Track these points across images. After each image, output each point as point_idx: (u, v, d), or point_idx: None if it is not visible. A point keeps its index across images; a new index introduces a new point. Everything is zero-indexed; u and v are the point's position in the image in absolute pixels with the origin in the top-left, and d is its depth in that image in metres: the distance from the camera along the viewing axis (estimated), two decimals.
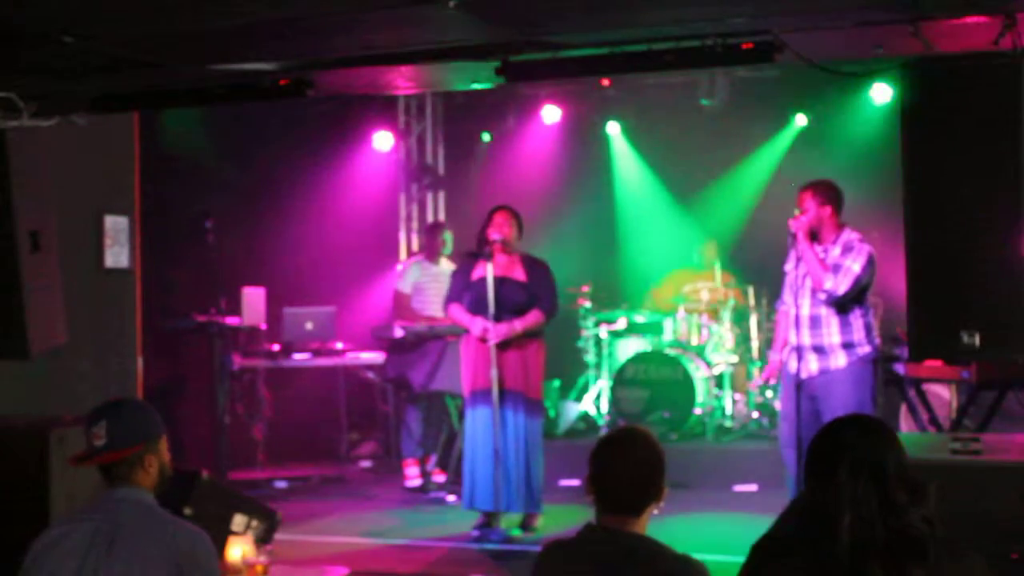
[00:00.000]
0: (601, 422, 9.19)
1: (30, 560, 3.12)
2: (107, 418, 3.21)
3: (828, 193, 5.99)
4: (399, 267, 8.80)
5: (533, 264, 6.74)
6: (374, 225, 10.29)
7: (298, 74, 4.83)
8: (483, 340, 6.53)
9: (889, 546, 2.55)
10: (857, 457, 2.61)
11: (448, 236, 8.57)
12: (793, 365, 5.96)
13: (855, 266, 5.85)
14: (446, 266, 8.62)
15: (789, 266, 6.16)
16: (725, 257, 9.93)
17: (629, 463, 2.91)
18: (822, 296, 5.89)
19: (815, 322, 5.93)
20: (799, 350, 5.95)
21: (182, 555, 3.06)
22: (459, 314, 6.73)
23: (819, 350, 5.92)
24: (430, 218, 10.80)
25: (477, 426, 6.59)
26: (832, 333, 5.91)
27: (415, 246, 10.63)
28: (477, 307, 6.57)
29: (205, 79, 4.89)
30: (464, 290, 6.71)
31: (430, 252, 8.63)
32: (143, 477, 3.19)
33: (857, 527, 2.55)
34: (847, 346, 5.91)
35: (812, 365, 5.93)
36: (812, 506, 2.67)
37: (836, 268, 5.87)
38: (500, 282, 6.55)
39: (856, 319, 5.95)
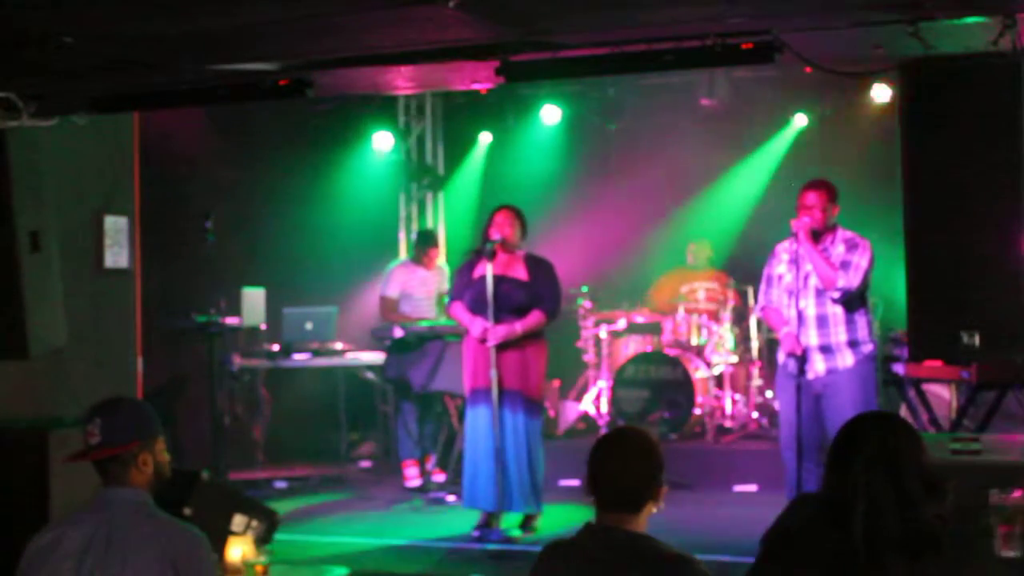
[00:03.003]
0: (601, 422, 9.19)
1: (26, 563, 3.11)
2: (102, 415, 3.20)
3: (835, 192, 6.01)
4: (385, 271, 8.76)
5: (536, 264, 6.72)
6: (374, 225, 10.28)
7: (298, 74, 4.83)
8: (482, 341, 6.53)
9: (904, 539, 2.57)
10: (875, 449, 2.64)
11: (436, 252, 8.58)
12: (793, 366, 5.95)
13: (863, 261, 5.89)
14: (436, 268, 8.62)
15: (781, 268, 6.15)
16: (725, 257, 9.93)
17: (622, 461, 2.92)
18: (835, 295, 5.88)
19: (822, 321, 5.93)
20: (803, 354, 5.93)
21: (179, 556, 3.05)
22: (460, 313, 6.73)
23: (826, 350, 5.92)
24: (430, 218, 10.80)
25: (477, 426, 6.58)
26: (839, 332, 5.92)
27: None
28: (477, 306, 6.57)
29: (205, 79, 4.90)
30: (466, 288, 6.70)
31: (417, 258, 8.63)
32: (138, 476, 3.18)
33: (872, 518, 2.57)
34: (853, 344, 5.92)
35: (819, 365, 5.93)
36: (829, 497, 2.69)
37: (845, 265, 5.88)
38: (500, 281, 6.54)
39: (860, 317, 5.97)
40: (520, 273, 6.66)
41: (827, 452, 2.81)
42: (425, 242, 8.74)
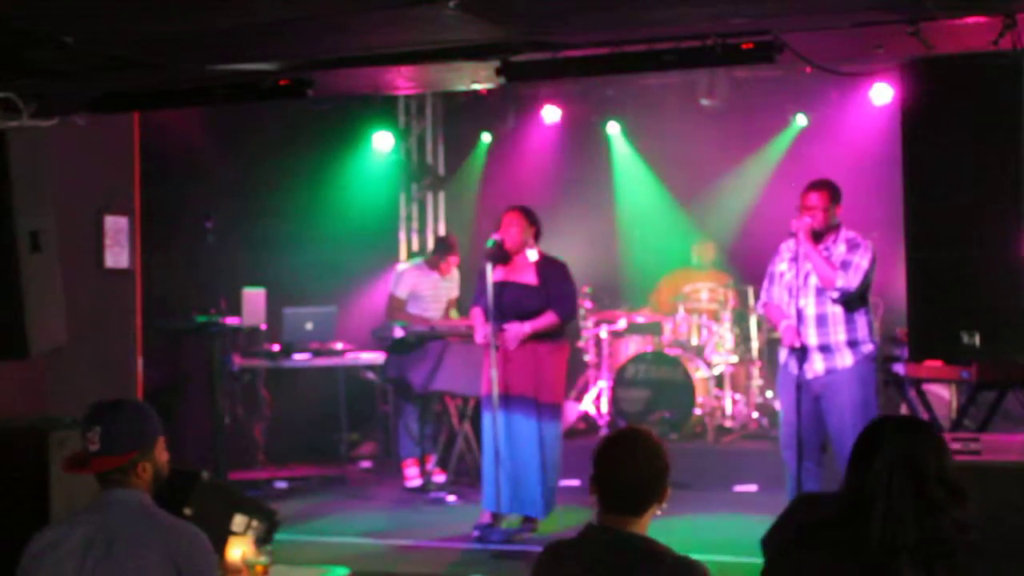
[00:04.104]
0: (601, 422, 9.19)
1: (26, 563, 3.11)
2: (102, 423, 3.17)
3: (838, 193, 6.01)
4: (397, 269, 8.79)
5: (548, 266, 6.65)
6: (374, 225, 10.28)
7: (298, 74, 4.84)
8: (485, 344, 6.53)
9: (919, 545, 2.56)
10: (896, 451, 2.63)
11: (455, 259, 8.59)
12: (794, 366, 5.95)
13: (863, 262, 5.88)
14: (449, 275, 8.62)
15: (783, 266, 6.15)
16: (725, 257, 9.93)
17: (633, 464, 2.90)
18: (834, 295, 5.88)
19: (821, 321, 5.93)
20: (803, 350, 5.93)
21: (180, 556, 3.05)
22: (474, 319, 6.73)
23: (825, 349, 5.92)
24: (430, 218, 10.80)
25: (486, 428, 6.58)
26: (839, 331, 5.91)
27: (415, 246, 10.63)
28: (487, 311, 6.55)
29: (205, 79, 4.89)
30: (482, 294, 6.66)
31: (434, 263, 8.62)
32: (136, 481, 3.17)
33: (890, 519, 2.57)
34: (852, 344, 5.92)
35: (818, 365, 5.92)
36: (848, 495, 2.69)
37: (845, 265, 5.88)
38: (506, 287, 6.53)
39: (860, 317, 5.96)
40: (529, 278, 6.61)
41: (850, 452, 2.81)
42: (445, 249, 8.72)
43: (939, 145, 4.10)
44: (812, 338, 5.94)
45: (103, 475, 3.17)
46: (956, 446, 4.30)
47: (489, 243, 6.58)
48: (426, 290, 8.51)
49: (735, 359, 9.24)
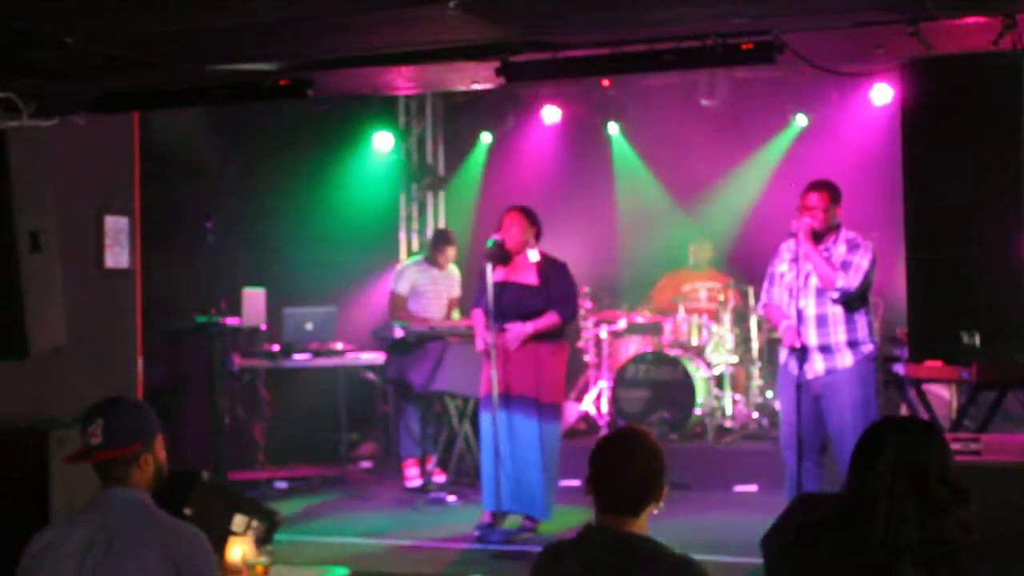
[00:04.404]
0: (601, 422, 9.18)
1: (26, 563, 3.11)
2: (104, 416, 3.19)
3: (838, 193, 6.01)
4: (398, 267, 8.81)
5: (549, 266, 6.65)
6: (374, 225, 10.28)
7: (298, 74, 4.84)
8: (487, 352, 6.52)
9: (922, 546, 2.56)
10: (898, 452, 2.64)
11: (452, 251, 8.59)
12: (794, 366, 5.95)
13: (864, 262, 5.88)
14: (449, 270, 8.62)
15: (783, 267, 6.15)
16: (725, 257, 9.93)
17: (629, 464, 2.91)
18: (834, 295, 5.88)
19: (822, 321, 5.93)
20: (803, 351, 5.94)
21: (180, 555, 3.06)
22: (475, 321, 6.73)
23: (825, 349, 5.92)
24: (430, 218, 10.80)
25: (485, 428, 6.58)
26: (839, 332, 5.91)
27: (415, 246, 10.62)
28: (487, 312, 6.54)
29: (205, 79, 4.90)
30: (482, 294, 6.66)
31: (432, 258, 8.63)
32: (139, 476, 3.18)
33: (892, 519, 2.57)
34: (852, 344, 5.92)
35: (818, 365, 5.93)
36: (850, 496, 2.69)
37: (845, 265, 5.88)
38: (507, 287, 6.52)
39: (860, 317, 5.96)
40: (530, 278, 6.61)
41: (852, 453, 2.81)
42: (442, 241, 8.74)
43: (939, 145, 4.10)
44: (812, 338, 5.94)
45: (105, 470, 3.17)
46: (956, 446, 4.30)
47: (489, 243, 6.58)
48: (426, 285, 8.53)
49: (735, 359, 9.24)
